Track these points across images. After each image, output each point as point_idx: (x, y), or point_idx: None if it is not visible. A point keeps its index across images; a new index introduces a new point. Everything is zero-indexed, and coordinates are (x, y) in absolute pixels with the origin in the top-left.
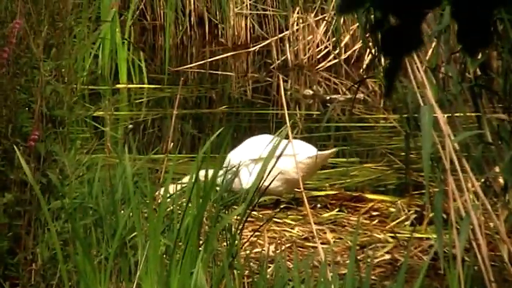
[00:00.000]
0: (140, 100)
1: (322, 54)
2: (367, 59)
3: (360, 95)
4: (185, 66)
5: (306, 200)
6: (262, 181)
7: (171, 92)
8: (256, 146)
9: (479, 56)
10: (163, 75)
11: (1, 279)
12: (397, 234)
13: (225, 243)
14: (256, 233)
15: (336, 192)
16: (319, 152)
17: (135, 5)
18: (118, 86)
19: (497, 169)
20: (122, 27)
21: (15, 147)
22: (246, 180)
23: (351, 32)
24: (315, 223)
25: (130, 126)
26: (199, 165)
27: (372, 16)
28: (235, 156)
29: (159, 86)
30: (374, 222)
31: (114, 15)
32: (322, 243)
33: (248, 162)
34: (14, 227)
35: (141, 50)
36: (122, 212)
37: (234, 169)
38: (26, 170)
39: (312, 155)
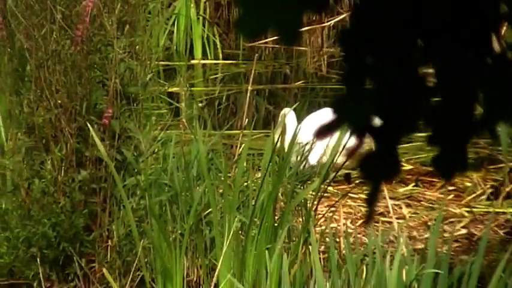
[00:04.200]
0: (215, 76)
1: None
2: None
3: None
4: (260, 42)
5: None
6: (334, 157)
7: (246, 68)
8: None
9: None
10: (238, 50)
11: (77, 256)
12: (473, 209)
13: (300, 219)
14: (332, 209)
15: (411, 167)
16: None
17: None
18: (193, 61)
19: None
20: (197, 3)
21: (89, 125)
22: (316, 156)
23: None
24: (390, 198)
25: (200, 104)
26: (274, 141)
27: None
28: (305, 132)
29: (234, 62)
30: (450, 197)
31: None
32: (397, 218)
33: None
34: (90, 204)
35: (216, 26)
36: (197, 188)
37: (308, 145)
38: (101, 147)
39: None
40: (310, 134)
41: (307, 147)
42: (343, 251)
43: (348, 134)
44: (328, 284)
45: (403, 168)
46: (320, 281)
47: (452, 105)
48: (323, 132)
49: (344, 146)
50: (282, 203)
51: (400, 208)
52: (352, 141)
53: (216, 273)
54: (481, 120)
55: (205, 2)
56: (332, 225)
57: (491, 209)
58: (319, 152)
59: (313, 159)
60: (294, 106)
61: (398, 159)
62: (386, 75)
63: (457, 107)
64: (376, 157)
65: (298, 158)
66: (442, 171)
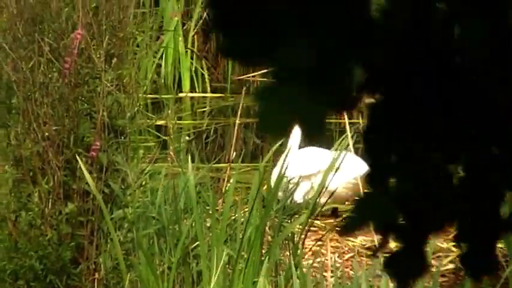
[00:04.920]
0: (203, 109)
1: None
2: None
3: None
4: (248, 75)
5: None
6: (319, 195)
7: (234, 101)
8: (312, 158)
9: None
10: (226, 84)
11: None
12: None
13: (287, 253)
14: (319, 242)
15: None
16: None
17: (198, 14)
18: (181, 94)
19: None
20: (185, 36)
21: (77, 157)
22: (302, 193)
23: None
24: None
25: (187, 138)
26: (261, 175)
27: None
28: (292, 168)
29: (222, 95)
30: None
31: (177, 24)
32: (384, 253)
33: (306, 174)
34: (77, 236)
35: (204, 59)
36: (185, 221)
37: (294, 181)
38: (89, 180)
39: (360, 173)
40: (297, 169)
41: (294, 183)
42: (331, 285)
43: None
44: None
45: None
46: None
47: (480, 203)
48: (347, 230)
49: (326, 187)
50: (269, 237)
51: (387, 242)
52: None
53: None
54: (510, 217)
55: (193, 36)
56: (319, 259)
57: None
58: (304, 190)
59: (298, 196)
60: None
61: (425, 258)
62: (410, 174)
63: (484, 205)
64: (402, 257)
65: (285, 192)
66: (471, 271)
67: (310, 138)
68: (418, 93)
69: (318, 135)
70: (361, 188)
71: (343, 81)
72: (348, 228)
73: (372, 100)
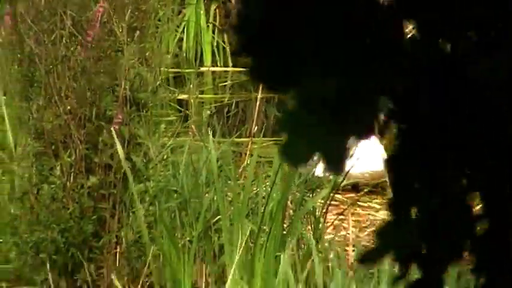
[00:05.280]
0: (224, 83)
1: None
2: None
3: None
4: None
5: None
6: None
7: None
8: None
9: None
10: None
11: (86, 262)
12: None
13: (309, 227)
14: (341, 217)
15: None
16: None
17: None
18: (202, 69)
19: None
20: (207, 10)
21: (106, 129)
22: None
23: None
24: None
25: (209, 112)
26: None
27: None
28: None
29: (244, 69)
30: None
31: None
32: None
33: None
34: (99, 210)
35: (226, 33)
36: (206, 195)
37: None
38: (119, 149)
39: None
40: None
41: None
42: (352, 260)
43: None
44: None
45: None
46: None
47: (499, 234)
48: (368, 260)
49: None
50: (291, 211)
51: (408, 273)
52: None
53: (225, 280)
54: None
55: (215, 9)
56: (340, 233)
57: None
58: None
59: (320, 170)
60: None
61: (443, 284)
62: (431, 204)
63: (504, 236)
64: (422, 285)
65: (307, 166)
66: None
67: (331, 170)
68: (445, 122)
69: (338, 168)
70: (385, 174)
71: (367, 111)
72: (369, 258)
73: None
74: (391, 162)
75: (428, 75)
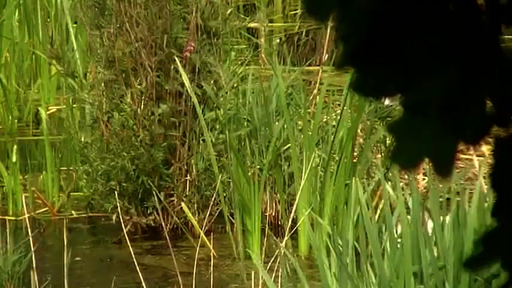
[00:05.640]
0: (295, 11)
1: None
2: None
3: None
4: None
5: None
6: None
7: None
8: None
9: None
10: None
11: (156, 190)
12: None
13: (379, 155)
14: None
15: None
16: None
17: None
18: None
19: None
20: None
21: (174, 58)
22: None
23: None
24: None
25: (278, 41)
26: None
27: None
28: None
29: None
30: None
31: None
32: (477, 156)
33: None
34: (169, 137)
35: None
36: (276, 123)
37: None
38: (185, 80)
39: None
40: None
41: None
42: (422, 184)
43: None
44: (409, 217)
45: None
46: (403, 214)
47: None
48: (473, 266)
49: None
50: (361, 139)
51: (480, 145)
52: None
53: (294, 208)
54: None
55: None
56: None
57: None
58: None
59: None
60: None
61: None
62: None
63: None
64: None
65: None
66: None
67: (439, 174)
68: None
69: (447, 172)
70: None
71: (474, 113)
72: (476, 263)
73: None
74: (493, 171)
75: None
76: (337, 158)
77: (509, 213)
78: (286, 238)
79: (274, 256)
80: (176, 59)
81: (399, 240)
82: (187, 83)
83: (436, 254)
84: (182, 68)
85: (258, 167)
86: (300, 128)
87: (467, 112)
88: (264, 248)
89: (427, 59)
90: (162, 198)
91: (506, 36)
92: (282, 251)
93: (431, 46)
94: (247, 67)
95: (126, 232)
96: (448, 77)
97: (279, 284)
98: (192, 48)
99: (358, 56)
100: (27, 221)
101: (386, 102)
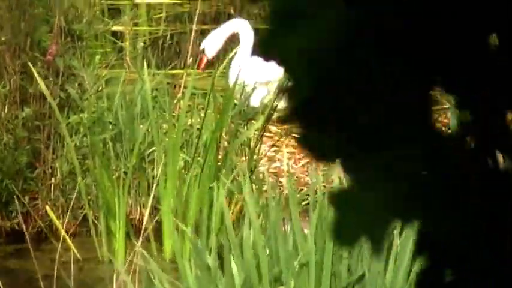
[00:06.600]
0: (159, 15)
1: None
2: None
3: None
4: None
5: None
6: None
7: (190, 7)
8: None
9: None
10: None
11: (20, 193)
12: None
13: (243, 158)
14: (275, 148)
15: None
16: None
17: None
18: (137, 1)
19: None
20: None
21: (34, 61)
22: (259, 98)
23: None
24: None
25: (142, 44)
26: (215, 81)
27: None
28: (250, 74)
29: (179, 1)
30: None
31: None
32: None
33: (264, 81)
34: (33, 141)
35: None
36: (141, 126)
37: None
38: (42, 85)
39: None
40: (255, 75)
41: (250, 88)
42: (286, 191)
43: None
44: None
45: None
46: (253, 219)
47: None
48: (341, 236)
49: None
50: (226, 143)
51: None
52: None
53: (159, 211)
54: None
55: None
56: (275, 164)
57: None
58: (261, 95)
59: (255, 101)
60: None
61: None
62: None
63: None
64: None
65: (242, 97)
66: None
67: (372, 249)
68: None
69: (378, 249)
70: None
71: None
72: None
73: None
74: (420, 247)
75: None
76: (201, 161)
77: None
78: (141, 240)
79: (137, 259)
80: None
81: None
82: (44, 88)
83: (298, 256)
84: (41, 72)
85: (123, 170)
86: (164, 131)
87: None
88: (128, 251)
89: (371, 133)
90: (26, 202)
91: None
92: (140, 254)
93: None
94: (111, 70)
95: None
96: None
97: None
98: (54, 51)
99: (301, 113)
100: None
101: (252, 103)
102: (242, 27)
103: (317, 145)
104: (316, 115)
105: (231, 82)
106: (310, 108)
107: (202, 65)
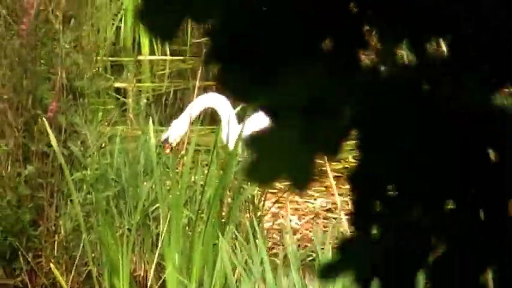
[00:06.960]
0: (162, 72)
1: None
2: None
3: None
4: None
5: (329, 171)
6: None
7: (193, 64)
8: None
9: None
10: (185, 46)
11: (24, 251)
12: None
13: (247, 215)
14: (279, 204)
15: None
16: None
17: None
18: (140, 57)
19: None
20: None
21: (39, 118)
22: None
23: None
24: (339, 194)
25: (145, 101)
26: (218, 135)
27: None
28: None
29: (181, 58)
30: None
31: None
32: (345, 214)
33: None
34: (36, 198)
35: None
36: (145, 183)
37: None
38: (52, 139)
39: None
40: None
41: None
42: (290, 247)
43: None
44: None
45: (351, 164)
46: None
47: (454, 260)
48: (328, 276)
49: None
50: (229, 199)
51: (348, 204)
52: None
53: (164, 269)
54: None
55: None
56: (279, 221)
57: None
58: None
59: None
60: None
61: None
62: (390, 227)
63: (460, 263)
64: None
65: (245, 154)
66: None
67: (297, 188)
68: (404, 135)
69: (303, 187)
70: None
71: (334, 124)
72: (329, 274)
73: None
74: (353, 178)
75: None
76: (205, 218)
77: (362, 226)
78: None
79: None
80: (44, 120)
81: None
82: (54, 143)
83: None
84: (45, 129)
85: (127, 227)
86: (168, 188)
87: (330, 117)
88: None
89: (286, 53)
90: (30, 260)
91: None
92: None
93: (291, 37)
94: (114, 127)
95: None
96: (311, 75)
97: None
98: (55, 108)
99: (222, 54)
100: None
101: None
102: (216, 102)
103: (232, 82)
104: (229, 55)
105: (233, 137)
106: (224, 50)
107: (167, 151)
